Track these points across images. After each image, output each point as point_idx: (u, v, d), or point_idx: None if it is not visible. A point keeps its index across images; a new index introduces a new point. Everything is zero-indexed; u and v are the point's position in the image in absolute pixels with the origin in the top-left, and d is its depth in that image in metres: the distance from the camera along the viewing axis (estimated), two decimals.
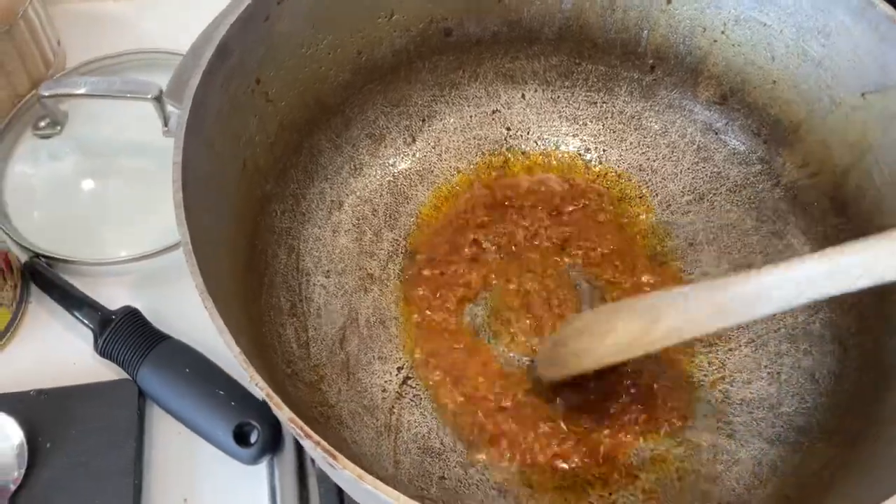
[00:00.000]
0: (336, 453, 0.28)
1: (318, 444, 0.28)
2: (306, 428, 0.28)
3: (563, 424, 0.46)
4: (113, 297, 0.55)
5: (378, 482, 0.27)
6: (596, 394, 0.47)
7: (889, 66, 0.45)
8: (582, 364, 0.43)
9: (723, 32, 0.51)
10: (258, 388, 0.30)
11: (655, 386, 0.47)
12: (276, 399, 0.29)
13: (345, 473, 0.28)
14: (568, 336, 0.45)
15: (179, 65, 0.42)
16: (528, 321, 0.50)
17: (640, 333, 0.40)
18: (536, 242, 0.53)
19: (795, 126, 0.50)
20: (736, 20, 0.50)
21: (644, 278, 0.51)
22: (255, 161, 0.45)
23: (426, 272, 0.52)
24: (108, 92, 0.57)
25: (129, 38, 0.70)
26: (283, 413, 0.29)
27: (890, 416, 0.40)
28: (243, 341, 0.34)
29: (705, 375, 0.48)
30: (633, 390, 0.47)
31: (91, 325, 0.53)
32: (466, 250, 0.53)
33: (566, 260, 0.53)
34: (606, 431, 0.46)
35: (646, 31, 0.53)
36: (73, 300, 0.55)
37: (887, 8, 0.44)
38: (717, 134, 0.54)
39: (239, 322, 0.39)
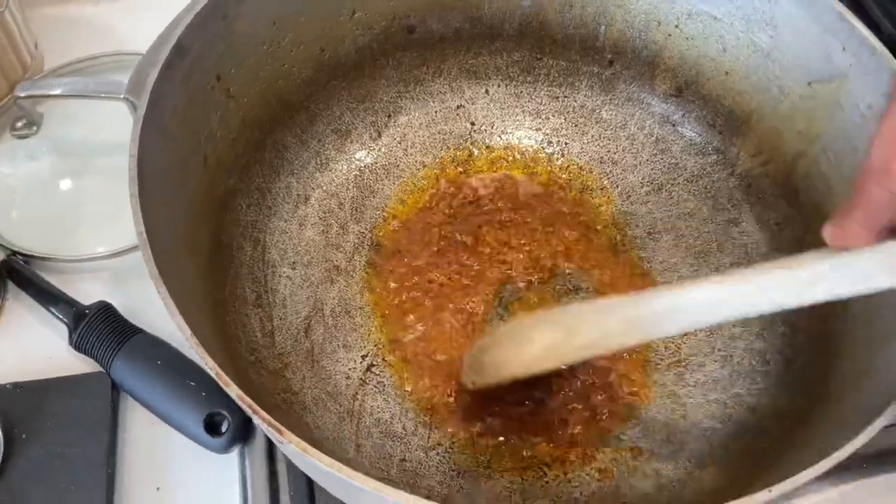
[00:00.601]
0: (281, 428, 0.29)
1: (263, 419, 0.29)
2: (254, 405, 0.30)
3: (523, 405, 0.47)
4: (88, 292, 0.56)
5: (320, 454, 0.29)
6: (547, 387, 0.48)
7: (833, 55, 0.46)
8: (499, 374, 0.43)
9: (676, 26, 0.52)
10: (207, 367, 0.31)
11: (612, 371, 0.48)
12: (224, 377, 0.30)
13: (289, 447, 0.29)
14: (490, 344, 0.46)
15: (139, 62, 0.43)
16: (491, 311, 0.52)
17: (555, 345, 0.41)
18: (500, 234, 0.55)
19: (747, 116, 0.52)
20: (689, 14, 0.52)
21: (602, 270, 0.52)
22: (217, 156, 0.46)
23: (392, 264, 0.53)
24: (82, 92, 0.58)
25: (105, 40, 0.72)
26: (232, 391, 0.30)
27: (833, 395, 0.41)
28: (202, 330, 0.35)
29: (661, 359, 0.50)
30: (592, 377, 0.48)
31: (66, 320, 0.54)
32: (431, 242, 0.54)
33: (529, 251, 0.54)
34: (567, 414, 0.47)
35: (603, 27, 0.55)
36: (48, 296, 0.56)
37: None
38: (674, 126, 0.56)
39: (200, 311, 0.40)
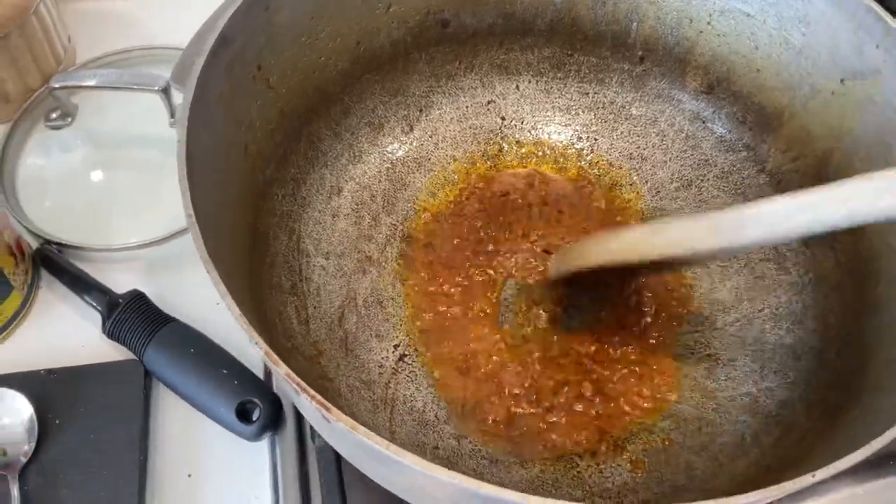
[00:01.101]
0: (329, 405, 0.30)
1: (312, 397, 0.30)
2: (301, 383, 0.30)
3: (557, 399, 0.48)
4: (121, 281, 0.57)
5: (370, 433, 0.29)
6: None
7: (866, 53, 0.46)
8: (585, 260, 0.46)
9: (708, 23, 0.53)
10: (257, 345, 0.31)
11: (644, 363, 0.49)
12: (274, 356, 0.31)
13: (338, 426, 0.30)
14: (582, 243, 0.49)
15: (184, 51, 0.44)
16: (522, 303, 0.52)
17: (641, 239, 0.43)
18: (530, 230, 0.55)
19: (779, 113, 0.52)
20: (721, 11, 0.52)
21: None
22: (257, 145, 0.47)
23: (423, 256, 0.54)
24: (116, 84, 0.59)
25: (135, 35, 0.73)
26: (280, 369, 0.31)
27: (865, 391, 0.41)
28: (245, 311, 0.35)
29: (692, 353, 0.50)
30: (620, 367, 0.48)
31: (99, 308, 0.55)
32: (462, 236, 0.55)
33: (558, 246, 0.54)
34: (598, 407, 0.48)
35: (635, 23, 0.55)
36: (81, 284, 0.57)
37: None
38: (704, 122, 0.56)
39: (241, 297, 0.41)
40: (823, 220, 0.34)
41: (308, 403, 0.30)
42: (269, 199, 0.49)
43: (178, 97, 0.41)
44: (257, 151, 0.47)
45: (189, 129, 0.38)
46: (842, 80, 0.48)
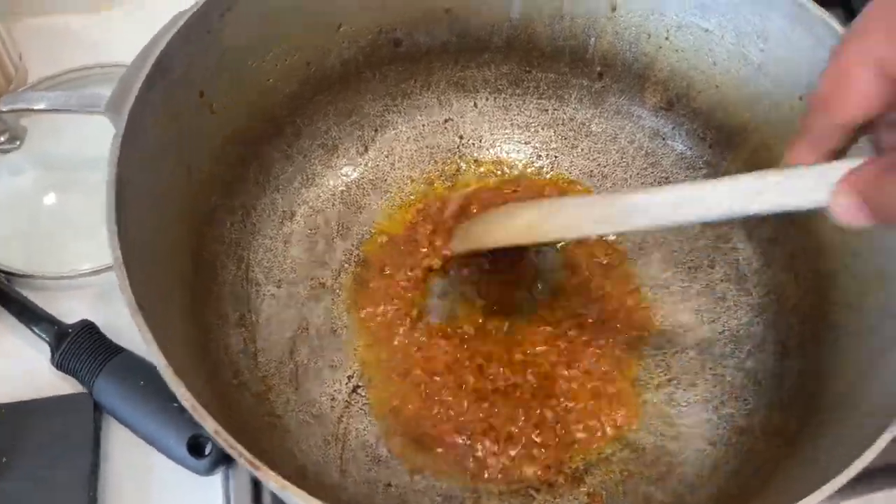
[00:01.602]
0: (258, 463, 0.29)
1: (241, 454, 0.29)
2: (230, 439, 0.29)
3: (513, 429, 0.47)
4: (72, 310, 0.55)
5: (300, 491, 0.28)
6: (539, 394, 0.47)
7: (823, 68, 0.45)
8: (483, 240, 0.48)
9: (667, 38, 0.52)
10: (182, 399, 0.30)
11: (602, 389, 0.48)
12: (201, 411, 0.29)
13: (270, 484, 0.28)
14: (483, 218, 0.50)
15: (121, 79, 0.42)
16: (477, 328, 0.51)
17: (536, 222, 0.44)
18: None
19: (739, 129, 0.51)
20: (679, 26, 0.51)
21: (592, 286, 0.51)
22: (201, 173, 0.45)
23: (379, 280, 0.52)
24: (65, 107, 0.58)
25: (90, 52, 0.70)
26: (208, 425, 0.29)
27: (826, 417, 0.41)
28: (180, 359, 0.34)
29: (651, 378, 0.49)
30: (579, 392, 0.47)
31: (48, 339, 0.53)
32: (419, 259, 0.53)
33: (517, 264, 0.53)
34: (557, 437, 0.47)
35: (593, 39, 0.54)
36: (30, 314, 0.55)
37: (822, 12, 0.45)
38: (664, 139, 0.55)
39: (183, 334, 0.39)
40: (705, 214, 0.35)
41: (239, 458, 0.29)
42: (216, 227, 0.48)
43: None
44: (201, 179, 0.45)
45: (121, 164, 0.37)
46: (800, 97, 0.47)
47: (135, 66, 0.41)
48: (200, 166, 0.45)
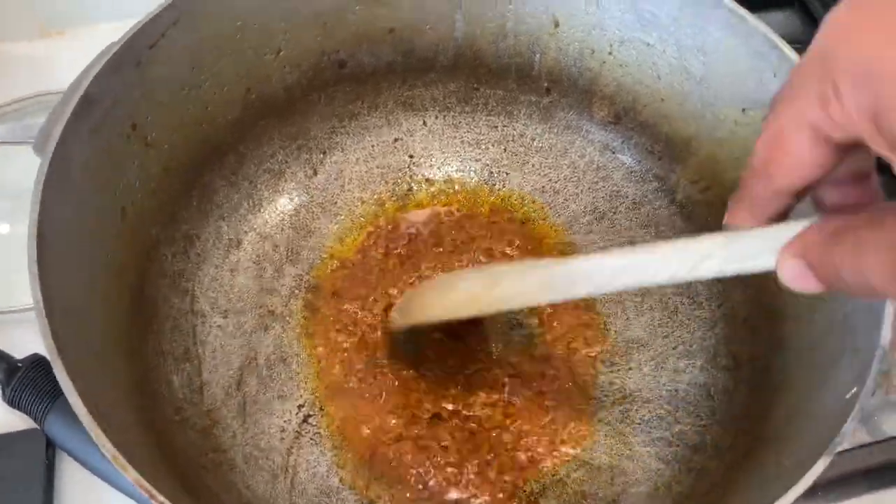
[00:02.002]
0: None
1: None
2: (152, 489, 0.28)
3: (468, 454, 0.46)
4: (22, 344, 0.54)
5: None
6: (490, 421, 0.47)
7: (764, 81, 0.45)
8: (424, 314, 0.46)
9: (610, 53, 0.52)
10: (102, 448, 0.29)
11: (557, 409, 0.47)
12: (122, 461, 0.29)
13: None
14: (420, 290, 0.49)
15: (48, 118, 0.41)
16: (432, 351, 0.50)
17: (477, 294, 0.43)
18: (440, 271, 0.53)
19: (686, 142, 0.51)
20: (621, 41, 0.51)
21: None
22: (138, 207, 0.44)
23: (330, 306, 0.52)
24: (11, 138, 0.57)
25: (40, 80, 0.69)
26: (130, 474, 0.29)
27: (773, 434, 0.40)
28: (109, 396, 0.33)
29: (606, 395, 0.48)
30: (533, 413, 0.47)
31: None
32: (371, 283, 0.53)
33: None
34: (512, 459, 0.46)
35: (538, 55, 0.54)
36: None
37: (759, 23, 0.45)
38: (614, 153, 0.55)
39: (115, 375, 0.39)
40: (651, 280, 0.34)
41: None
42: (157, 260, 0.47)
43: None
44: (138, 213, 0.45)
45: (44, 205, 0.36)
46: (743, 110, 0.47)
47: (62, 102, 0.40)
48: (137, 200, 0.45)
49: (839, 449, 0.34)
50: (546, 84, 0.55)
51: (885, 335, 0.35)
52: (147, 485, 0.28)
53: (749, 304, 0.47)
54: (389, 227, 0.55)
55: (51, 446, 0.50)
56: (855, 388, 0.35)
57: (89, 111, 0.40)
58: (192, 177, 0.49)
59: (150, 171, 0.45)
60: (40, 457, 0.49)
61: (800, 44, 0.58)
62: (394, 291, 0.52)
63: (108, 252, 0.42)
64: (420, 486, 0.45)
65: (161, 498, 0.28)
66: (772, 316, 0.45)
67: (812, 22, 0.68)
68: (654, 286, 0.37)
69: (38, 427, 0.50)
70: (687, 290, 0.51)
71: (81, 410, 0.30)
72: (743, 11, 0.45)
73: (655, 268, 0.34)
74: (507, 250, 0.54)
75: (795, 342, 0.43)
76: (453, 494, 0.45)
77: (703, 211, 0.51)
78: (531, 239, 0.55)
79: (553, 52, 0.53)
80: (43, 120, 0.62)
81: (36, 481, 0.48)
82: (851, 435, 0.35)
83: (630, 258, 0.35)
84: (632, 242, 0.53)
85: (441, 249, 0.54)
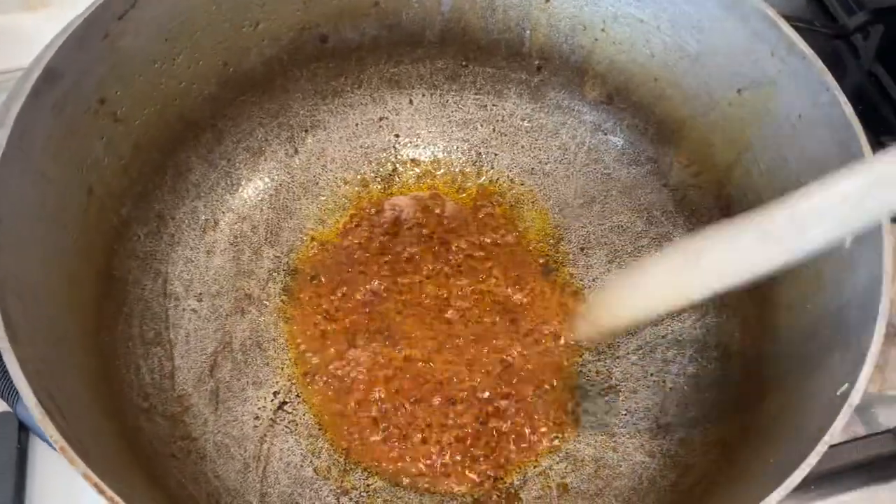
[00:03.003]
0: None
1: (110, 499, 0.26)
2: (101, 484, 0.27)
3: (444, 440, 0.45)
4: None
5: None
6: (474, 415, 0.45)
7: (761, 61, 0.43)
8: (619, 318, 0.41)
9: (603, 30, 0.50)
10: (52, 441, 0.28)
11: (539, 398, 0.46)
12: (70, 453, 0.27)
13: None
14: (605, 294, 0.44)
15: (9, 93, 0.40)
16: (417, 333, 0.49)
17: (681, 273, 0.36)
18: (424, 258, 0.52)
19: (679, 124, 0.49)
20: (615, 17, 0.49)
21: (531, 291, 0.49)
22: (106, 185, 0.43)
23: (310, 290, 0.50)
24: None
25: (26, 53, 0.67)
26: (79, 468, 0.27)
27: (763, 428, 0.39)
28: (68, 385, 0.32)
29: (592, 385, 0.47)
30: (516, 403, 0.46)
31: None
32: (352, 266, 0.51)
33: (457, 271, 0.51)
34: (492, 447, 0.45)
35: (528, 31, 0.52)
36: None
37: (758, 2, 0.43)
38: (606, 134, 0.53)
39: (75, 362, 0.37)
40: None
41: None
42: (128, 240, 0.45)
43: None
44: (106, 192, 0.43)
45: (2, 184, 0.34)
46: (739, 91, 0.45)
47: (23, 77, 0.38)
48: (105, 178, 0.43)
49: (825, 447, 0.33)
50: (537, 62, 0.53)
51: (879, 332, 0.34)
52: (96, 479, 0.27)
53: (741, 294, 0.45)
54: (373, 210, 0.53)
55: (24, 430, 0.49)
56: (846, 385, 0.33)
57: (52, 85, 0.38)
58: (165, 154, 0.47)
59: (119, 148, 0.44)
60: (13, 441, 0.48)
61: (803, 23, 0.56)
62: (375, 283, 0.50)
63: (72, 232, 0.40)
64: (399, 477, 0.44)
65: (110, 493, 0.27)
66: (764, 304, 0.43)
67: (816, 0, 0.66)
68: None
69: (10, 410, 0.49)
70: None
71: (30, 400, 0.28)
72: None
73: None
74: (495, 236, 0.52)
75: (787, 333, 0.42)
76: (432, 482, 0.43)
77: (696, 195, 0.49)
78: (518, 222, 0.53)
79: (544, 27, 0.51)
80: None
81: (8, 466, 0.47)
82: (846, 428, 0.34)
83: (861, 178, 0.30)
84: (623, 228, 0.52)
85: (424, 236, 0.53)
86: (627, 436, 0.45)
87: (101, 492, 0.27)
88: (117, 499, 0.27)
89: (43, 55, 0.39)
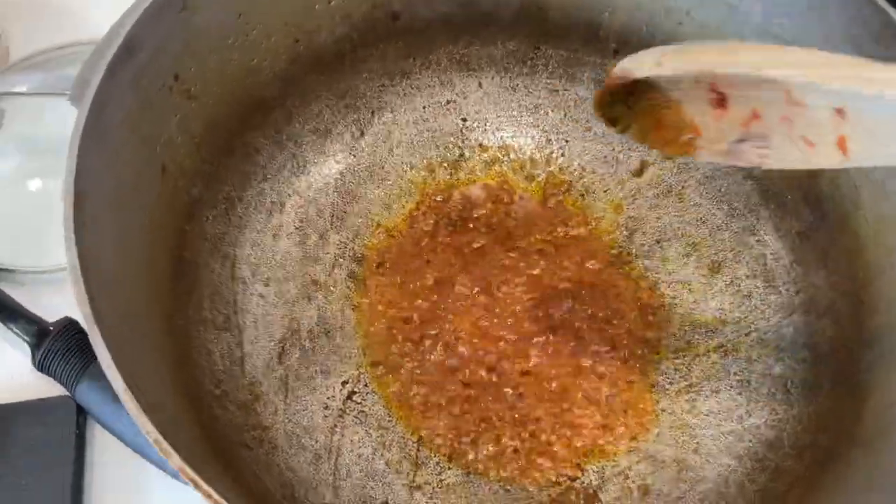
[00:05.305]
0: None
1: (209, 496, 0.25)
2: (197, 479, 0.25)
3: (518, 435, 0.44)
4: (54, 307, 0.52)
5: None
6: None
7: (863, 48, 0.41)
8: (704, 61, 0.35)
9: (688, 13, 0.47)
10: (145, 432, 0.27)
11: (617, 396, 0.44)
12: (165, 446, 0.26)
13: None
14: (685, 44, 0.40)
15: (83, 65, 0.38)
16: (485, 325, 0.47)
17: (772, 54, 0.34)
18: (492, 248, 0.50)
19: None
20: (701, 2, 0.47)
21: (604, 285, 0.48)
22: (179, 164, 0.42)
23: (376, 277, 0.49)
24: (39, 89, 0.54)
25: (78, 27, 0.67)
26: (174, 461, 0.26)
27: (865, 438, 0.37)
28: (148, 370, 0.31)
29: (671, 383, 0.45)
30: (591, 402, 0.44)
31: (27, 339, 0.50)
32: (419, 255, 0.50)
33: (528, 264, 0.50)
34: (570, 446, 0.43)
35: (607, 13, 0.50)
36: (7, 312, 0.52)
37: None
38: None
39: (154, 344, 0.36)
40: None
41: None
42: (198, 222, 0.44)
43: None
44: (179, 171, 0.42)
45: (81, 160, 0.33)
46: None
47: (99, 49, 0.37)
48: (178, 156, 0.42)
49: None
50: (614, 45, 0.51)
51: None
52: (192, 473, 0.26)
53: (832, 292, 0.43)
54: (439, 198, 0.52)
55: (82, 414, 0.48)
56: None
57: (130, 59, 0.37)
58: (235, 133, 0.46)
59: (192, 126, 0.43)
60: (71, 426, 0.47)
61: None
62: (443, 273, 0.49)
63: (146, 211, 0.39)
64: (471, 473, 0.42)
65: (206, 487, 0.26)
66: (859, 306, 0.41)
67: None
68: None
69: (69, 394, 0.48)
70: (763, 272, 0.47)
71: (120, 387, 0.27)
72: None
73: None
74: (566, 228, 0.51)
75: (887, 339, 0.39)
76: (505, 480, 0.42)
77: (784, 187, 0.47)
78: (590, 213, 0.52)
79: (624, 9, 0.49)
80: (77, 70, 0.60)
81: (67, 451, 0.47)
82: None
83: None
84: (702, 220, 0.50)
85: (494, 223, 0.51)
86: (710, 438, 0.43)
87: (198, 486, 0.26)
88: (216, 496, 0.25)
89: (120, 27, 0.38)
